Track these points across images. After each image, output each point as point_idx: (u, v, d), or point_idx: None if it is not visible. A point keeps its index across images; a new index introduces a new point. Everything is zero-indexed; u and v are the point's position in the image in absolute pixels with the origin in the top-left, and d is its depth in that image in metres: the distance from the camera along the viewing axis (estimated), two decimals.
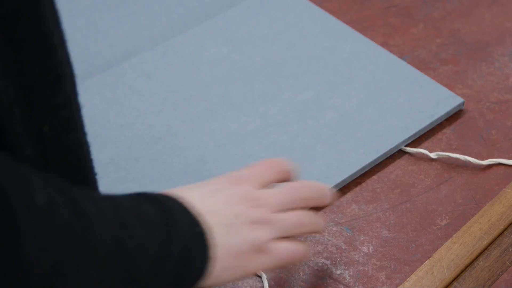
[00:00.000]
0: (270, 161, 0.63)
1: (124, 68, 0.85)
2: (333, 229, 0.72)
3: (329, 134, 0.79)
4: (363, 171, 0.76)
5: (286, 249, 0.59)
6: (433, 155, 0.77)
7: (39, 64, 0.46)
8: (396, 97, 0.82)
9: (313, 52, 0.88)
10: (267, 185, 0.61)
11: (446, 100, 0.82)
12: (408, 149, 0.78)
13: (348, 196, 0.74)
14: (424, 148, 0.78)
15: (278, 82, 0.84)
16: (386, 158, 0.78)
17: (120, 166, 0.75)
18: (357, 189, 0.75)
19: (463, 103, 0.82)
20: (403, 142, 0.78)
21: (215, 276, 0.55)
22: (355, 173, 0.76)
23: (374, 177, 0.76)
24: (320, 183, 0.65)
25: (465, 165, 0.77)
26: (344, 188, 0.75)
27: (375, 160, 0.77)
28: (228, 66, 0.86)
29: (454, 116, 0.82)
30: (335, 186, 0.74)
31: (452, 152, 0.78)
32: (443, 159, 0.77)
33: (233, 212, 0.57)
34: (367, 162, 0.76)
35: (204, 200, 0.56)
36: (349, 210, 0.73)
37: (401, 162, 0.77)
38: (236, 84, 0.84)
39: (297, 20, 0.92)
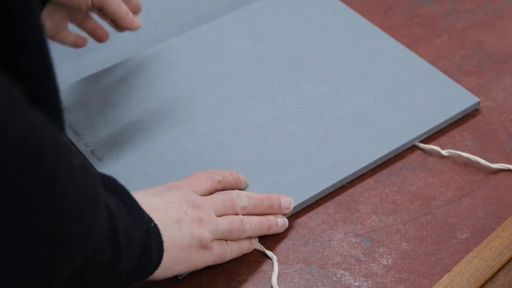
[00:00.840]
0: (205, 172, 0.70)
1: (148, 54, 0.87)
2: (352, 240, 0.71)
3: (344, 127, 0.80)
4: (375, 165, 0.77)
5: (226, 249, 0.67)
6: (444, 152, 0.78)
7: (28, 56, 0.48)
8: (412, 94, 0.83)
9: (334, 46, 0.89)
10: (202, 193, 0.68)
11: (462, 99, 0.82)
12: (421, 145, 0.79)
13: (368, 207, 0.74)
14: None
15: (297, 75, 0.85)
16: (407, 170, 0.77)
17: (138, 148, 0.77)
18: (377, 200, 0.75)
19: (478, 103, 0.83)
20: (416, 138, 0.79)
21: (166, 267, 0.62)
22: (366, 166, 0.77)
23: (395, 188, 0.76)
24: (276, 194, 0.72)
25: (476, 167, 0.76)
26: (364, 198, 0.75)
27: (387, 154, 0.78)
28: (250, 57, 0.87)
29: (476, 129, 0.81)
30: (346, 178, 0.75)
31: (470, 158, 0.77)
32: (454, 157, 0.77)
33: (178, 209, 0.64)
34: (379, 156, 0.77)
35: (151, 199, 0.63)
36: (368, 221, 0.73)
37: (422, 174, 0.77)
38: (256, 75, 0.85)
39: (320, 14, 0.93)
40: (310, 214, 0.74)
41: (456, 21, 0.94)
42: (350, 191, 0.75)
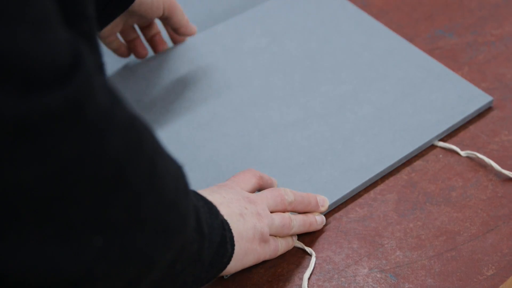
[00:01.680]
0: (247, 170, 0.72)
1: (167, 54, 0.89)
2: (377, 275, 0.71)
3: (367, 127, 0.81)
4: (399, 164, 0.79)
5: (279, 245, 0.70)
6: (463, 153, 0.81)
7: None
8: (428, 94, 0.85)
9: (348, 47, 0.90)
10: (249, 190, 0.70)
11: (476, 98, 0.85)
12: (441, 143, 0.82)
13: (393, 242, 0.74)
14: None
15: (316, 75, 0.87)
16: (431, 204, 0.77)
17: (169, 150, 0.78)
18: (402, 235, 0.74)
19: (492, 101, 0.85)
20: (437, 136, 0.81)
21: (237, 259, 0.64)
22: (392, 165, 0.79)
23: (419, 223, 0.75)
24: (316, 194, 0.74)
25: (499, 200, 0.76)
26: (388, 233, 0.74)
27: (411, 153, 0.80)
28: (268, 57, 0.88)
29: (501, 160, 0.81)
30: (375, 176, 0.77)
31: (485, 160, 0.77)
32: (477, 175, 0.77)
33: (238, 204, 0.66)
34: (403, 155, 0.79)
35: (211, 196, 0.64)
36: (393, 257, 0.72)
37: (446, 209, 0.77)
38: (276, 76, 0.86)
39: (332, 15, 0.95)
40: (334, 248, 0.73)
41: (477, 53, 0.94)
42: (374, 225, 0.75)
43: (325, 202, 0.74)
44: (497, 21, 0.98)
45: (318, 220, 0.73)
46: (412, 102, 0.84)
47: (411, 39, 0.95)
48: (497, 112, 0.86)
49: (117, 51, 0.87)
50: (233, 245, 0.63)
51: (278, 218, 0.69)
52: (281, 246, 0.70)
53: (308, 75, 0.87)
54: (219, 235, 0.60)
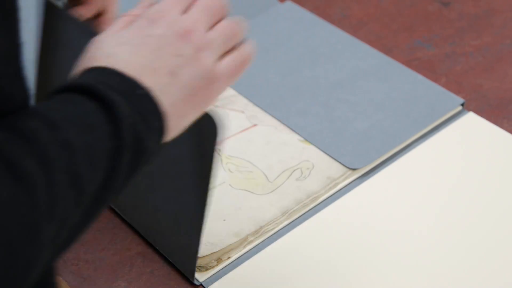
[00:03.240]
0: None
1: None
2: None
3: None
4: None
5: (234, 62, 0.57)
6: None
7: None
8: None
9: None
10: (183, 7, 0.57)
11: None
12: None
13: None
14: None
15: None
16: None
17: None
18: None
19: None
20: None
21: (175, 125, 0.54)
22: None
23: None
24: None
25: None
26: None
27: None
28: None
29: None
30: None
31: None
32: None
33: (169, 54, 0.54)
34: None
35: (133, 57, 0.53)
36: None
37: None
38: None
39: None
40: None
41: (455, 64, 0.94)
42: None
43: None
44: (476, 32, 0.98)
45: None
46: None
47: (389, 50, 0.96)
48: None
49: None
50: (160, 119, 0.53)
51: (218, 33, 0.57)
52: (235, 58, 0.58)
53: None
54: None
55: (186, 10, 0.57)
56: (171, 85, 0.54)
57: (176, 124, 0.55)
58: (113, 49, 0.54)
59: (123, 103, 0.51)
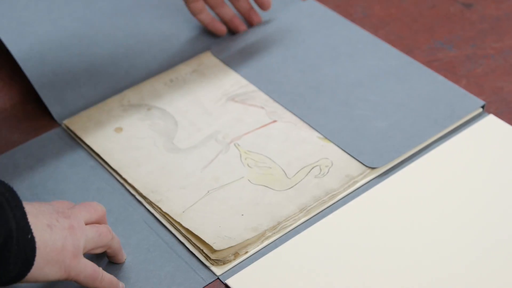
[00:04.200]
0: (95, 204, 0.73)
1: None
2: None
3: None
4: None
5: (91, 267, 0.68)
6: None
7: None
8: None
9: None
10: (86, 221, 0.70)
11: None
12: None
13: None
14: None
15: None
16: None
17: None
18: None
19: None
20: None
21: (38, 267, 0.63)
22: None
23: None
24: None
25: None
26: None
27: None
28: None
29: None
30: None
31: None
32: None
33: (50, 216, 0.66)
34: None
35: (27, 206, 0.65)
36: None
37: None
38: None
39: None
40: None
41: (476, 66, 0.93)
42: None
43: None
44: (498, 34, 0.98)
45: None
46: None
47: (410, 50, 0.95)
48: None
49: (209, 26, 0.95)
50: (30, 256, 0.63)
51: (92, 228, 0.69)
52: (103, 276, 0.69)
53: None
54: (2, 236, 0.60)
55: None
56: (45, 231, 0.65)
57: (35, 267, 0.63)
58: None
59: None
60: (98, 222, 0.72)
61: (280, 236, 0.76)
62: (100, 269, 0.69)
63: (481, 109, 0.87)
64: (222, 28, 0.97)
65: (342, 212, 0.78)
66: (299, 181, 0.80)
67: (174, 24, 0.99)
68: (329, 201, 0.79)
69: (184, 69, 0.94)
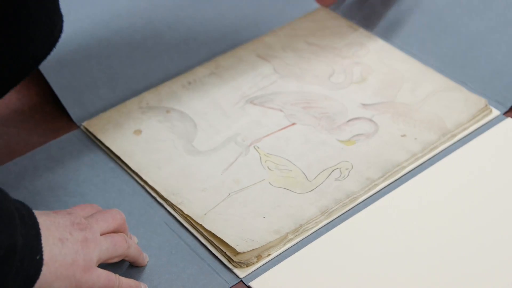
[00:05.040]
0: (116, 211, 0.72)
1: None
2: None
3: None
4: None
5: (105, 277, 0.67)
6: None
7: None
8: None
9: None
10: (106, 231, 0.70)
11: None
12: None
13: None
14: None
15: None
16: None
17: None
18: None
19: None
20: None
21: (45, 281, 0.63)
22: None
23: None
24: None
25: None
26: None
27: None
28: None
29: None
30: None
31: None
32: None
33: (64, 229, 0.66)
34: None
35: (41, 217, 0.65)
36: None
37: None
38: None
39: None
40: None
41: None
42: None
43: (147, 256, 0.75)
44: None
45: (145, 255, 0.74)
46: None
47: None
48: None
49: None
50: (33, 275, 0.62)
51: (107, 239, 0.69)
52: (120, 283, 0.69)
53: None
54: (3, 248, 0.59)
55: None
56: (55, 245, 0.64)
57: (44, 281, 0.63)
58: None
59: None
60: (117, 230, 0.71)
61: (302, 239, 0.76)
62: (117, 276, 0.69)
63: (499, 112, 0.88)
64: None
65: (363, 215, 0.78)
66: (320, 184, 0.80)
67: (191, 26, 0.99)
68: (350, 203, 0.79)
69: (201, 72, 0.95)
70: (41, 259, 0.62)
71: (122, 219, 0.72)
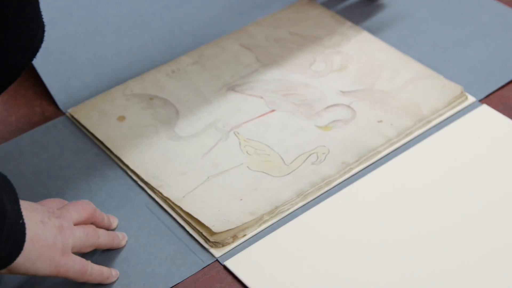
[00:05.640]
0: (84, 202, 0.75)
1: None
2: None
3: None
4: None
5: (79, 262, 0.70)
6: None
7: None
8: None
9: None
10: (77, 221, 0.73)
11: None
12: None
13: None
14: None
15: None
16: None
17: None
18: None
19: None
20: None
21: (29, 258, 0.66)
22: None
23: None
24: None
25: None
26: None
27: None
28: None
29: None
30: None
31: None
32: None
33: (43, 214, 0.69)
34: None
35: (23, 202, 0.68)
36: None
37: None
38: None
39: None
40: None
41: None
42: None
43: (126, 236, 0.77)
44: None
45: (120, 235, 0.76)
46: None
47: None
48: None
49: None
50: (20, 240, 0.65)
51: (80, 229, 0.72)
52: (92, 270, 0.71)
53: None
54: None
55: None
56: (38, 226, 0.67)
57: (27, 259, 0.66)
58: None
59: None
60: (88, 219, 0.74)
61: (278, 220, 0.78)
62: (89, 262, 0.72)
63: (474, 99, 0.90)
64: None
65: (337, 197, 0.80)
66: (297, 168, 0.82)
67: (177, 15, 1.01)
68: (325, 186, 0.81)
69: (185, 60, 0.97)
70: (23, 223, 0.65)
71: (92, 208, 0.75)
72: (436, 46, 0.97)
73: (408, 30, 1.00)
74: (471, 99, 0.90)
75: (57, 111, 0.92)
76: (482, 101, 0.90)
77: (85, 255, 0.73)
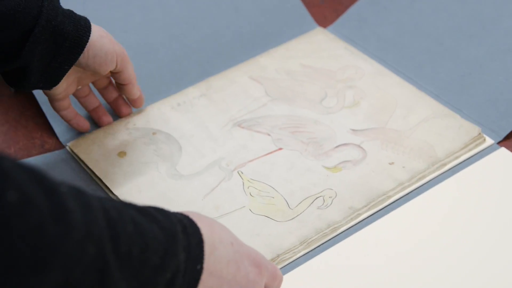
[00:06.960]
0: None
1: None
2: None
3: None
4: None
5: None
6: None
7: None
8: None
9: None
10: None
11: None
12: None
13: None
14: None
15: None
16: None
17: None
18: None
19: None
20: None
21: None
22: None
23: None
24: None
25: None
26: None
27: None
28: None
29: None
30: None
31: None
32: None
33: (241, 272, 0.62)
34: None
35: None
36: None
37: None
38: None
39: None
40: None
41: None
42: None
43: None
44: None
45: None
46: None
47: None
48: None
49: (71, 122, 0.87)
50: (196, 276, 0.58)
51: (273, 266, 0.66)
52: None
53: None
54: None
55: None
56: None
57: None
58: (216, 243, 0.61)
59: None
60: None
61: (280, 268, 0.74)
62: None
63: (493, 141, 0.85)
64: (85, 125, 0.89)
65: (343, 245, 0.76)
66: (301, 212, 0.78)
67: (185, 44, 0.98)
68: (331, 233, 0.77)
69: (192, 93, 0.93)
70: (201, 268, 0.58)
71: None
72: (453, 76, 0.93)
73: (424, 57, 0.96)
74: (489, 141, 0.85)
75: (57, 144, 0.89)
76: (501, 143, 0.85)
77: None
